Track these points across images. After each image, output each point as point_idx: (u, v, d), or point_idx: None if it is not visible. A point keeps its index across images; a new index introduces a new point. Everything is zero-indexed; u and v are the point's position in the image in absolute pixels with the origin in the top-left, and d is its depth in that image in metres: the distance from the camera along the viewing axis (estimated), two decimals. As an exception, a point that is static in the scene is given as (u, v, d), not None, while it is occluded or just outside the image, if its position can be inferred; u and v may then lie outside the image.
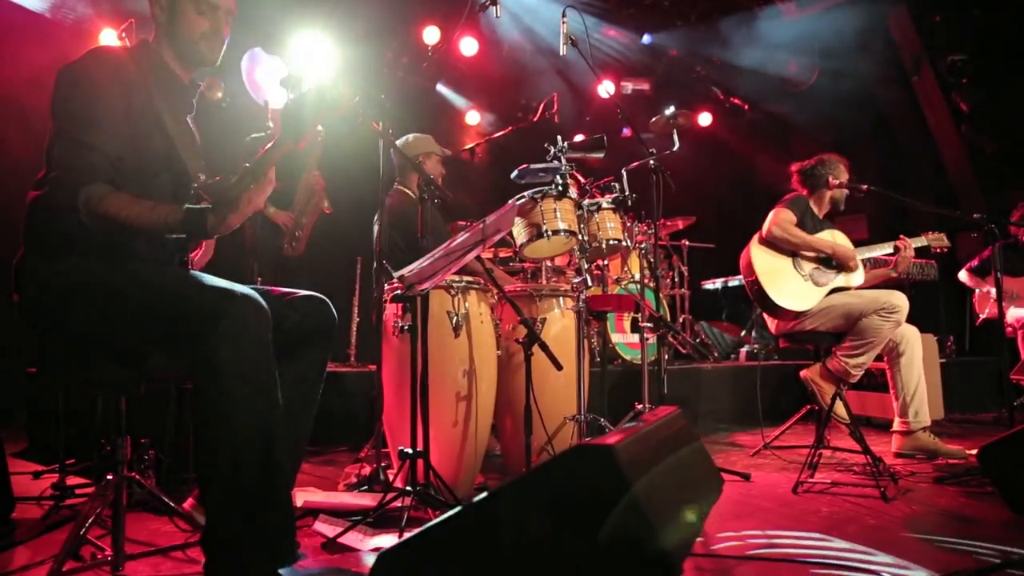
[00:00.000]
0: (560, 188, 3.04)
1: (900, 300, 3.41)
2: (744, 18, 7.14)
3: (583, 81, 6.92)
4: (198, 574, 1.74)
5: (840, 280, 3.59)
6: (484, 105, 7.58)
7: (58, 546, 1.85)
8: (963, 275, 5.58)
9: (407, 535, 1.40)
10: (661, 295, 5.12)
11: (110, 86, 1.79)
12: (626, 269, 5.39)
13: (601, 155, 3.29)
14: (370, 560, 1.72)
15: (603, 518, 1.17)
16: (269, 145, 1.76)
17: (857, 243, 3.75)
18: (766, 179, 7.02)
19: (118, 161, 1.76)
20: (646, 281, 4.55)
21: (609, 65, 7.53)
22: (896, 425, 3.49)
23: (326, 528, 2.19)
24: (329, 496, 2.55)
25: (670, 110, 3.71)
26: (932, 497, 2.66)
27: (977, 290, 5.56)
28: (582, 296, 2.99)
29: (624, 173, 3.50)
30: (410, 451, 2.30)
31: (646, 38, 7.71)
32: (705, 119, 8.07)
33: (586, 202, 3.19)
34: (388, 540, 2.08)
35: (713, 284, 7.21)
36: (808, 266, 3.61)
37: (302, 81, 1.84)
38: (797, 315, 3.56)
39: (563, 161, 3.12)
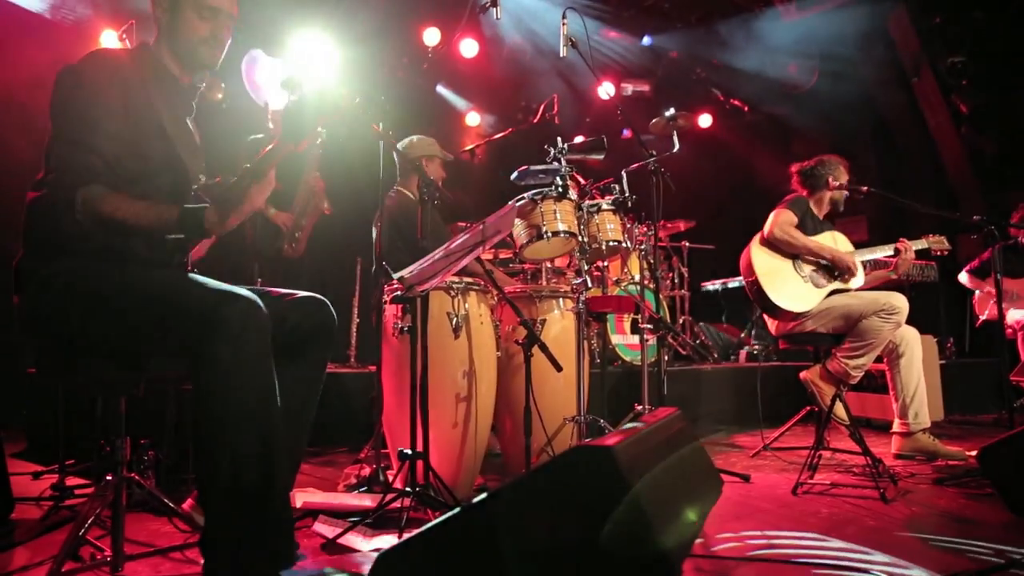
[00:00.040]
0: (560, 189, 3.04)
1: (900, 301, 3.41)
2: (744, 20, 7.15)
3: (583, 83, 6.91)
4: (197, 575, 1.75)
5: (840, 282, 3.60)
6: (484, 106, 7.58)
7: (57, 547, 1.85)
8: (963, 277, 5.57)
9: (407, 536, 1.40)
10: (661, 296, 5.12)
11: (109, 88, 1.79)
12: (626, 270, 5.39)
13: (601, 156, 3.29)
14: (370, 561, 1.71)
15: (602, 519, 1.17)
16: (270, 147, 1.76)
17: (857, 245, 3.75)
18: (766, 181, 7.01)
19: (116, 162, 1.76)
20: (646, 282, 4.55)
21: (609, 67, 7.53)
22: (896, 426, 3.49)
23: (326, 529, 2.19)
24: (329, 497, 2.55)
25: (670, 112, 3.71)
26: (932, 498, 2.66)
27: (977, 291, 5.56)
28: (582, 297, 2.99)
29: (624, 174, 3.50)
30: (410, 452, 2.31)
31: (646, 40, 7.71)
32: (705, 121, 8.08)
33: (586, 203, 3.19)
34: (388, 541, 2.08)
35: (712, 285, 7.21)
36: (808, 267, 3.61)
37: (302, 83, 1.84)
38: (797, 316, 3.56)
39: (563, 162, 3.12)
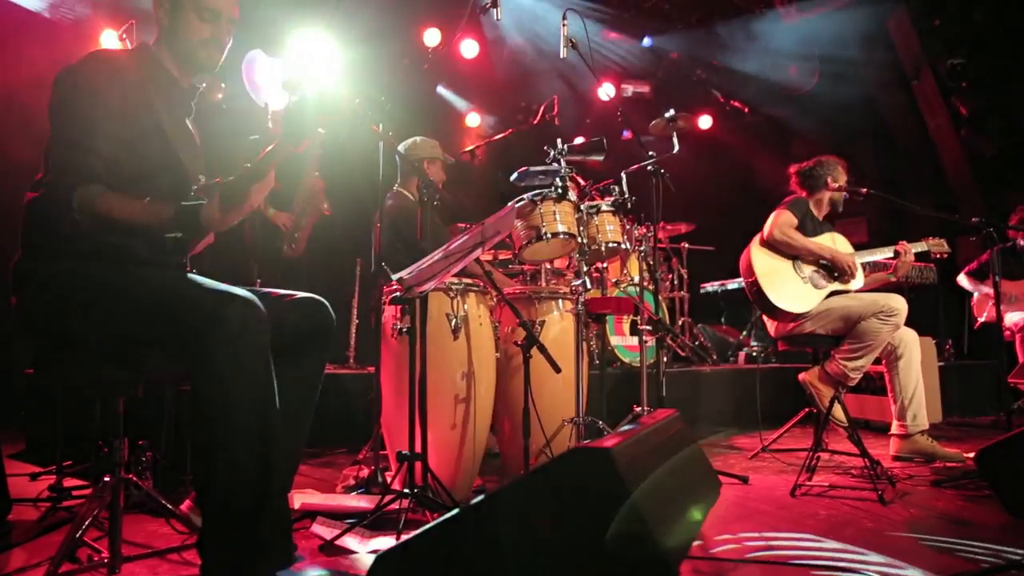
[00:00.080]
0: (560, 190, 3.04)
1: (899, 303, 3.41)
2: (744, 22, 7.16)
3: (583, 84, 6.92)
4: (195, 576, 1.74)
5: (839, 283, 3.60)
6: (484, 107, 7.58)
7: (55, 548, 1.85)
8: (962, 279, 5.58)
9: (405, 537, 1.40)
10: (660, 298, 5.11)
11: (107, 89, 1.79)
12: (625, 272, 5.39)
13: (601, 157, 3.29)
14: (368, 562, 1.71)
15: (601, 521, 1.17)
16: (270, 148, 1.76)
17: (857, 246, 3.75)
18: (766, 182, 7.01)
19: (115, 163, 1.76)
20: (645, 284, 4.55)
21: (609, 68, 7.54)
22: (894, 428, 3.50)
23: (324, 530, 2.19)
24: (327, 498, 2.54)
25: (670, 113, 3.71)
26: (930, 500, 2.66)
27: (976, 293, 5.56)
28: (581, 299, 2.99)
29: (624, 176, 3.50)
30: (408, 453, 2.30)
31: (646, 41, 7.72)
32: (705, 122, 8.08)
33: (585, 204, 3.19)
34: (386, 542, 2.08)
35: (711, 287, 7.21)
36: (808, 268, 3.61)
37: (303, 83, 1.84)
38: (796, 317, 3.56)
39: (563, 163, 3.12)
